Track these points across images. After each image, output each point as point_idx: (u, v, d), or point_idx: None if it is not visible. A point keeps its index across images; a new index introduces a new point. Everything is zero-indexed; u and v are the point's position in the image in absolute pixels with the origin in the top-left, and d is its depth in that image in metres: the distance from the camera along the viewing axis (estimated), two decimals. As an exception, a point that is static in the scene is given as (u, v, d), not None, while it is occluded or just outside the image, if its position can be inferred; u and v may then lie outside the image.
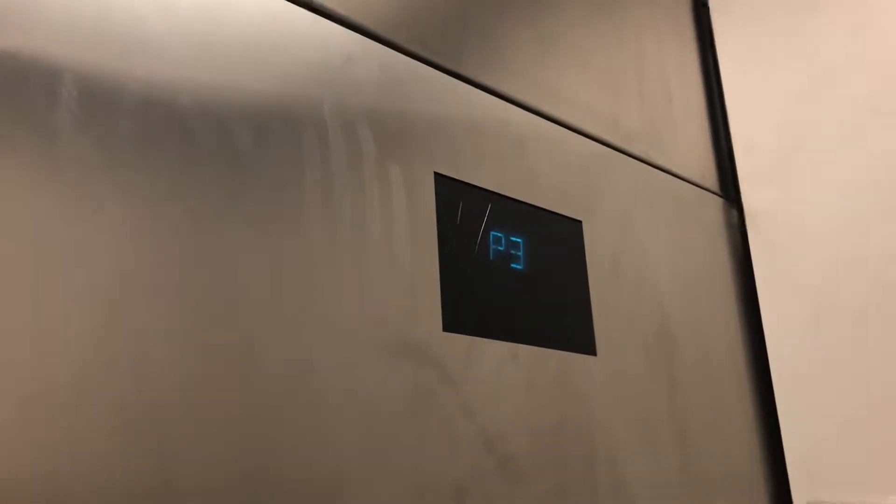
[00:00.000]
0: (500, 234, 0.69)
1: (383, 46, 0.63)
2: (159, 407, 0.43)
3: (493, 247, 0.68)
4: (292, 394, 0.50)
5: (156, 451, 0.43)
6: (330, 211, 0.55)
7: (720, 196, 1.02)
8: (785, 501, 0.90)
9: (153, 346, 0.44)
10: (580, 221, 0.77)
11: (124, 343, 0.43)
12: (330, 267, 0.54)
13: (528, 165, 0.74)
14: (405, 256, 0.60)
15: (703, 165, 1.02)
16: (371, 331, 0.55)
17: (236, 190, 0.50)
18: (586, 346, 0.73)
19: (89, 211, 0.43)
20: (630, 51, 0.94)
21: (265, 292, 0.50)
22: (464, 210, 0.66)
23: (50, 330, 0.40)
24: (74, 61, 0.45)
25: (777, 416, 0.92)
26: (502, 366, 0.64)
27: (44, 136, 0.42)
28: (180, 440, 0.44)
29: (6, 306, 0.39)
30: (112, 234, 0.44)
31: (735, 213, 1.03)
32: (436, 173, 0.64)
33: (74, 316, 0.41)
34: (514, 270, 0.69)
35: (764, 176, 1.02)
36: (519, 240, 0.70)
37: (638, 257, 0.83)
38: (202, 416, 0.45)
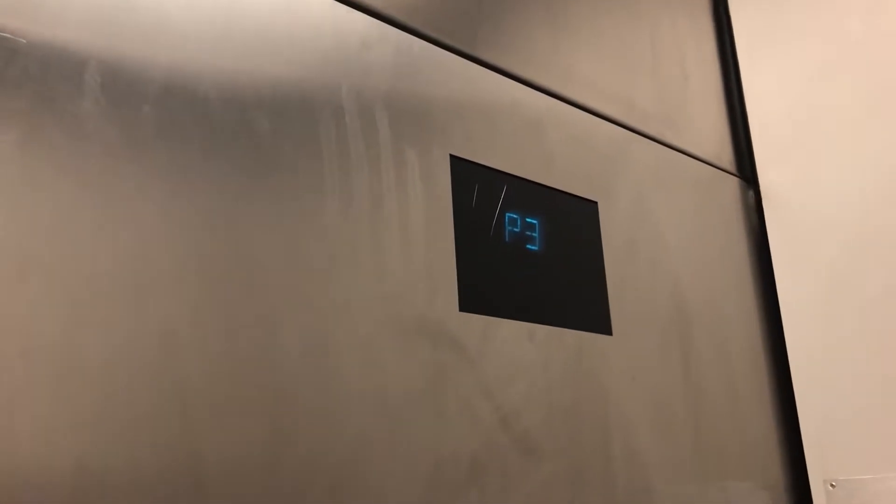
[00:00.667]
0: (515, 216, 0.69)
1: (399, 30, 0.64)
2: (183, 384, 0.45)
3: (508, 228, 0.68)
4: (311, 372, 0.51)
5: (180, 427, 0.44)
6: (347, 193, 0.56)
7: (737, 176, 1.02)
8: (801, 480, 0.91)
9: (177, 325, 0.45)
10: (596, 202, 0.78)
11: (149, 323, 0.44)
12: (347, 248, 0.55)
13: (544, 147, 0.74)
14: (421, 238, 0.60)
15: (719, 145, 1.02)
16: (388, 311, 0.56)
17: (256, 173, 0.51)
18: (602, 325, 0.74)
19: (113, 195, 0.44)
20: (645, 32, 0.94)
21: (285, 273, 0.51)
22: (479, 192, 0.66)
23: (77, 311, 0.42)
24: (99, 50, 0.46)
25: (793, 395, 0.93)
26: (518, 345, 0.65)
27: (70, 123, 0.44)
28: (204, 417, 0.45)
29: (35, 291, 0.40)
30: (136, 218, 0.45)
31: (751, 192, 1.03)
32: (451, 156, 0.65)
33: (101, 298, 0.43)
34: (529, 251, 0.70)
35: (780, 155, 1.01)
36: (534, 221, 0.71)
37: (654, 237, 0.83)
38: (224, 393, 0.46)
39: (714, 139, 1.01)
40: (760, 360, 0.93)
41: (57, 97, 0.43)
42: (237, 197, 0.50)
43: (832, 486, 0.87)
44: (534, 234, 0.71)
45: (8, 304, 0.40)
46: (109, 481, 0.41)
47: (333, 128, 0.57)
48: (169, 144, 0.48)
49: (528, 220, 0.70)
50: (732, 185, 1.01)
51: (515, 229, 0.69)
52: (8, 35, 0.42)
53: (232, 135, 0.51)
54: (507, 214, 0.69)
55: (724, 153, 1.02)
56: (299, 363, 0.50)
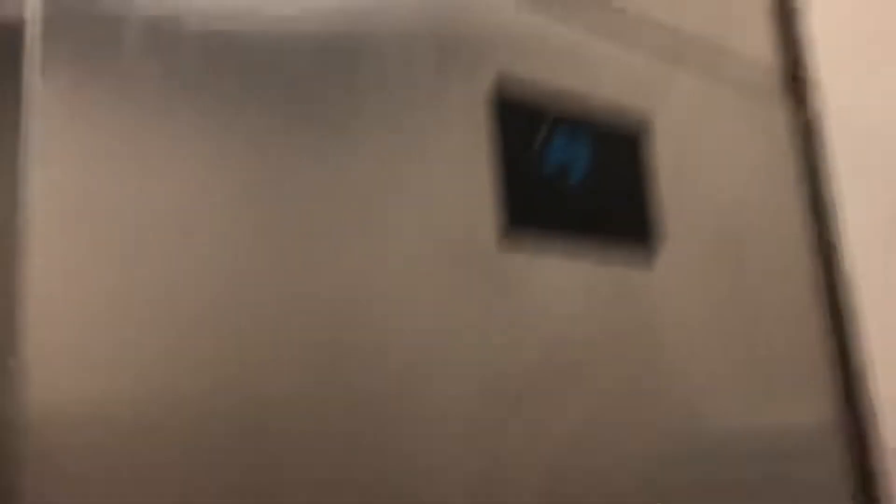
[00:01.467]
0: (559, 142, 0.68)
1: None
2: (237, 322, 0.46)
3: (553, 154, 0.67)
4: (357, 303, 0.52)
5: (239, 358, 0.45)
6: (387, 121, 0.56)
7: (790, 97, 0.98)
8: (857, 405, 0.89)
9: (225, 267, 0.46)
10: (642, 127, 0.76)
11: (198, 264, 0.45)
12: (389, 179, 0.55)
13: (588, 73, 0.72)
14: (462, 163, 0.60)
15: (773, 64, 0.98)
16: (431, 237, 0.57)
17: (298, 113, 0.51)
18: (648, 252, 0.72)
19: (163, 136, 0.45)
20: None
21: (326, 208, 0.52)
22: (522, 118, 0.65)
23: (133, 252, 0.43)
24: (134, -20, 0.46)
25: (852, 317, 0.90)
26: (563, 271, 0.65)
27: (111, 67, 0.44)
28: (259, 348, 0.46)
29: (92, 234, 0.42)
30: (187, 156, 0.46)
31: (805, 112, 0.99)
32: (495, 77, 0.64)
33: (155, 238, 0.44)
34: (573, 178, 0.69)
35: (839, 72, 0.97)
36: (579, 147, 0.70)
37: (702, 162, 0.81)
38: (277, 328, 0.47)
39: (765, 60, 0.97)
40: (818, 283, 0.91)
41: (98, 46, 0.44)
42: (279, 134, 0.50)
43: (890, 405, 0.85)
44: (578, 158, 0.70)
45: (67, 247, 0.41)
46: (168, 422, 0.42)
47: (372, 58, 0.56)
48: (211, 87, 0.48)
49: (572, 146, 0.69)
50: (786, 106, 0.97)
51: (560, 153, 0.68)
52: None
53: (273, 78, 0.51)
54: (552, 141, 0.68)
55: (776, 74, 0.98)
56: (345, 293, 0.51)
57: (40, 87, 0.42)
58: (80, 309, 0.40)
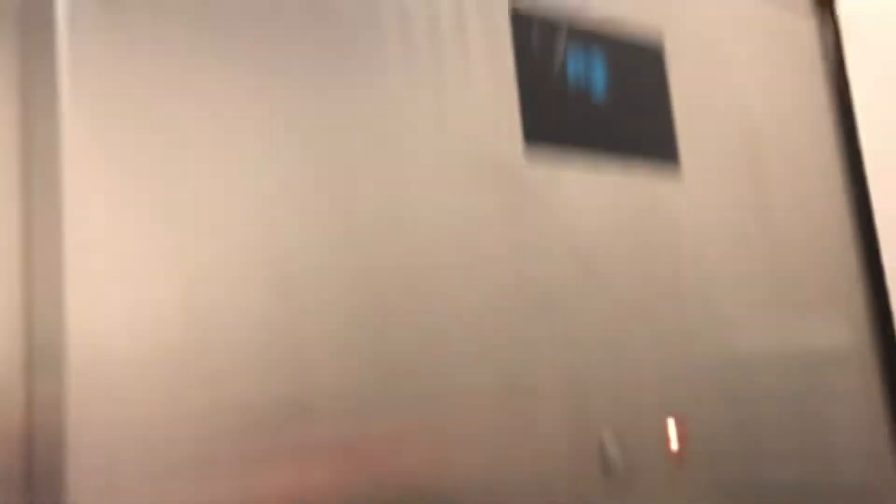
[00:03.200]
0: (579, 55, 0.67)
1: None
2: (281, 250, 0.46)
3: (572, 67, 0.67)
4: (390, 220, 0.52)
5: (282, 290, 0.46)
6: (408, 40, 0.56)
7: (813, 9, 0.96)
8: (885, 315, 0.89)
9: (271, 197, 0.46)
10: (662, 42, 0.75)
11: (247, 206, 0.46)
12: (412, 96, 0.55)
13: (605, -18, 0.71)
14: (485, 78, 0.60)
15: (794, -23, 0.95)
16: (456, 154, 0.57)
17: (328, 49, 0.51)
18: (671, 164, 0.72)
19: (197, 86, 0.45)
20: None
21: (356, 136, 0.52)
22: (541, 30, 0.64)
23: (174, 198, 0.43)
24: None
25: (877, 240, 0.90)
26: (587, 183, 0.64)
27: (145, 8, 0.44)
28: (302, 273, 0.47)
29: (125, 186, 0.42)
30: (227, 102, 0.46)
31: (831, 29, 0.97)
32: (511, 6, 0.63)
33: (197, 190, 0.44)
34: (594, 90, 0.68)
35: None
36: (599, 60, 0.69)
37: (723, 74, 0.80)
38: (312, 251, 0.48)
39: (788, -30, 0.95)
40: (842, 206, 0.90)
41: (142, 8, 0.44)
42: (312, 76, 0.50)
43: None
44: (598, 73, 0.69)
45: (107, 197, 0.41)
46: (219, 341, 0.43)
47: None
48: (246, 21, 0.48)
49: (592, 59, 0.68)
50: (809, 18, 0.95)
51: (579, 68, 0.67)
52: None
53: (304, 12, 0.51)
54: (571, 53, 0.67)
55: (799, -15, 0.96)
56: (376, 213, 0.52)
57: (67, 37, 0.42)
58: (124, 258, 0.41)
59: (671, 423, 0.65)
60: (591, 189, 0.65)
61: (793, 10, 0.93)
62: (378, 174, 0.52)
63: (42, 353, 0.40)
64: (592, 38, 0.69)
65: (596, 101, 0.67)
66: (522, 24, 0.63)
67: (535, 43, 0.64)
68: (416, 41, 0.56)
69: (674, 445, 0.65)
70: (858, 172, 0.93)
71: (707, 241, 0.73)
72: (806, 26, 0.94)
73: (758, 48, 0.85)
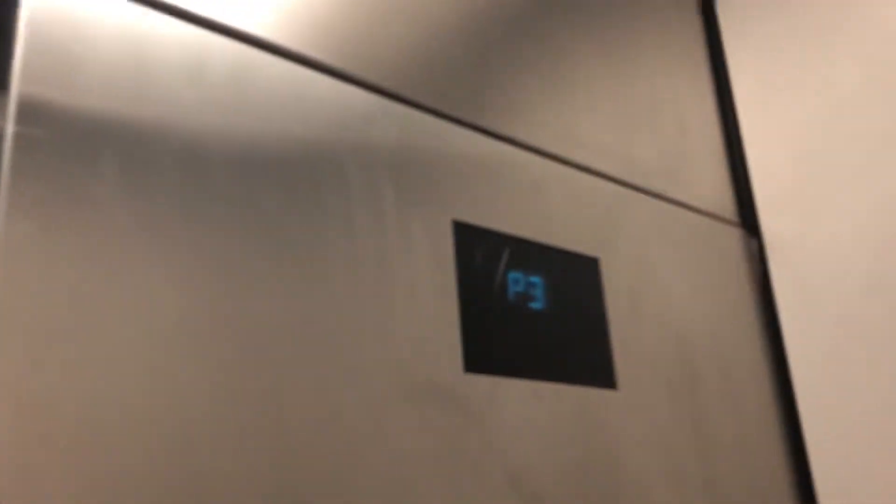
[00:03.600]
0: (518, 275, 0.71)
1: (401, 104, 0.67)
2: (193, 450, 0.47)
3: (512, 288, 0.70)
4: (321, 438, 0.53)
5: (192, 493, 0.46)
6: (353, 261, 0.59)
7: (740, 227, 1.04)
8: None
9: (188, 392, 0.47)
10: (597, 259, 0.80)
11: (162, 394, 0.46)
12: (354, 314, 0.57)
13: (545, 207, 0.76)
14: (427, 301, 0.63)
15: (721, 197, 1.04)
16: (395, 374, 0.58)
17: (266, 246, 0.54)
18: (607, 381, 0.75)
19: (129, 274, 0.47)
20: (643, 89, 0.97)
21: (293, 341, 0.53)
22: (482, 254, 0.69)
23: (94, 386, 0.44)
24: (114, 130, 0.49)
25: (804, 447, 0.93)
26: (525, 404, 0.66)
27: (85, 204, 0.47)
28: (214, 486, 0.47)
29: (57, 366, 0.43)
30: (152, 293, 0.48)
31: (755, 242, 1.04)
32: (454, 221, 0.67)
33: (118, 373, 0.45)
34: (533, 310, 0.71)
35: (783, 205, 1.03)
36: (537, 280, 0.73)
37: (657, 291, 0.85)
38: (232, 463, 0.48)
39: (716, 191, 1.03)
40: (771, 412, 0.94)
41: (75, 183, 0.46)
42: (248, 269, 0.53)
43: (848, 536, 0.86)
44: (537, 293, 0.73)
45: (31, 379, 0.42)
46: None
47: (340, 200, 0.59)
48: (182, 222, 0.50)
49: (531, 279, 0.72)
50: (736, 236, 1.03)
51: (519, 289, 0.71)
52: (27, 130, 0.46)
53: (242, 210, 0.54)
54: (510, 274, 0.71)
55: (726, 205, 1.04)
56: (306, 428, 0.52)
57: (5, 206, 0.43)
58: (41, 433, 0.41)
59: None
60: (528, 409, 0.67)
61: (723, 232, 1.00)
62: (312, 385, 0.53)
63: None
64: (533, 258, 0.73)
65: (534, 318, 0.71)
66: (464, 241, 0.67)
67: (475, 259, 0.68)
68: (360, 256, 0.59)
69: None
70: (786, 383, 0.97)
71: (644, 454, 0.74)
72: (734, 244, 1.01)
73: (688, 265, 0.91)
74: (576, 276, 0.77)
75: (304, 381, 0.53)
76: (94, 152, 0.48)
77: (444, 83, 0.72)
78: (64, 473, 0.42)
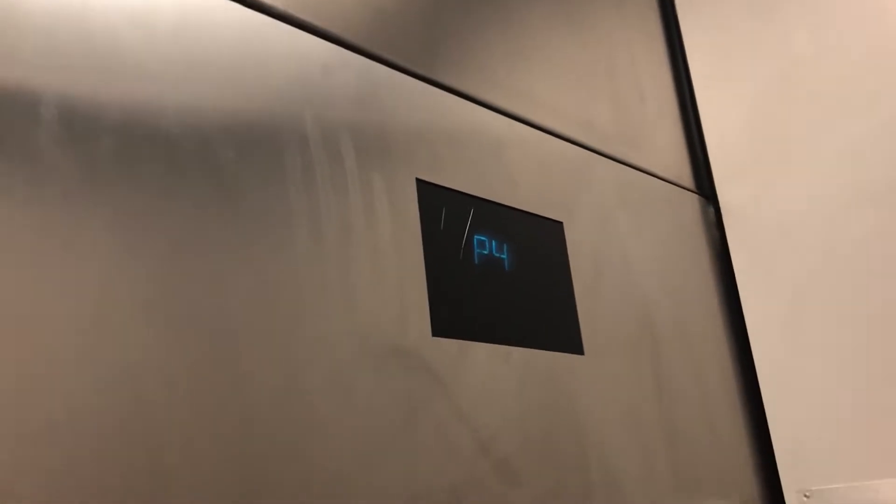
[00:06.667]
0: (483, 238, 0.69)
1: (360, 56, 0.64)
2: (152, 424, 0.43)
3: (477, 250, 0.68)
4: (284, 407, 0.50)
5: (150, 469, 0.42)
6: (314, 223, 0.55)
7: (697, 193, 1.04)
8: (775, 492, 0.91)
9: (144, 364, 0.44)
10: (561, 223, 0.78)
11: (114, 365, 0.42)
12: (317, 278, 0.54)
13: (508, 169, 0.74)
14: (391, 264, 0.60)
15: (678, 164, 1.03)
16: (361, 340, 0.55)
17: (221, 206, 0.50)
18: (573, 345, 0.73)
19: (74, 231, 0.43)
20: (601, 54, 0.96)
21: (254, 307, 0.50)
22: (447, 215, 0.66)
23: (40, 354, 0.40)
24: (55, 83, 0.45)
25: (764, 409, 0.93)
26: (493, 368, 0.64)
27: (26, 157, 0.42)
28: (174, 459, 0.43)
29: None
30: (97, 254, 0.44)
31: (712, 209, 1.04)
32: (418, 180, 0.64)
33: (62, 336, 0.41)
34: (499, 273, 0.69)
35: (738, 171, 1.03)
36: (503, 242, 0.71)
37: (619, 256, 0.84)
38: (196, 432, 0.45)
39: (673, 158, 1.03)
40: (730, 375, 0.94)
41: (13, 131, 0.42)
42: (202, 230, 0.49)
43: (806, 496, 0.87)
44: (503, 256, 0.71)
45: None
46: (76, 527, 0.39)
47: (298, 157, 0.56)
48: (131, 180, 0.46)
49: (496, 241, 0.70)
50: (693, 202, 1.02)
51: (484, 251, 0.69)
52: (-41, 67, 0.41)
53: (195, 168, 0.50)
54: (476, 237, 0.68)
55: (683, 171, 1.04)
56: (270, 397, 0.49)
57: None
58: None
59: None
60: (496, 373, 0.64)
61: (681, 198, 1.00)
62: (274, 353, 0.50)
63: None
64: (497, 220, 0.71)
65: (501, 284, 0.69)
66: (430, 196, 0.65)
67: (442, 225, 0.65)
68: (322, 217, 0.56)
69: None
70: (745, 347, 0.97)
71: (608, 424, 0.73)
72: (691, 210, 1.01)
73: (648, 230, 0.90)
74: (540, 240, 0.75)
75: (265, 351, 0.50)
76: (33, 102, 0.43)
77: (405, 38, 0.69)
78: (15, 463, 0.38)
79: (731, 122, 1.05)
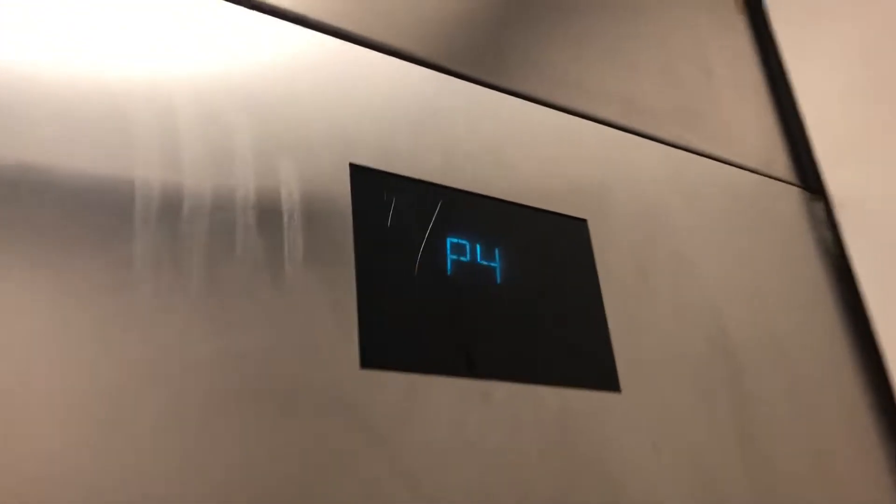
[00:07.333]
0: (463, 242, 0.52)
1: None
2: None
3: (451, 257, 0.51)
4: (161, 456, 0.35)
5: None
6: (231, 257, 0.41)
7: (796, 185, 0.81)
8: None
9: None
10: (584, 220, 0.59)
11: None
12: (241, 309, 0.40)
13: (507, 155, 0.57)
14: (311, 273, 0.44)
15: (767, 150, 0.82)
16: (260, 373, 0.40)
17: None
18: (604, 379, 0.54)
19: None
20: (649, 30, 0.78)
21: (164, 355, 0.36)
22: (396, 210, 0.50)
23: None
24: None
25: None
26: (463, 412, 0.46)
27: None
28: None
29: None
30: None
31: (820, 204, 0.81)
32: (352, 165, 0.49)
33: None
34: (484, 285, 0.52)
35: (850, 158, 0.80)
36: (493, 247, 0.54)
37: (678, 262, 0.64)
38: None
39: (759, 143, 0.81)
40: (861, 413, 0.69)
41: None
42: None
43: None
44: (493, 264, 0.53)
45: None
46: None
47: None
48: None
49: (481, 245, 0.53)
50: (791, 195, 0.80)
51: (463, 258, 0.52)
52: None
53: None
54: (450, 239, 0.52)
55: (776, 159, 0.82)
56: (152, 447, 0.34)
57: None
58: None
59: None
60: (469, 417, 0.46)
61: (771, 191, 0.78)
62: (157, 387, 0.36)
63: None
64: (483, 216, 0.54)
65: (487, 300, 0.51)
66: (366, 200, 0.49)
67: (388, 224, 0.49)
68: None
69: None
70: (876, 365, 0.72)
71: (661, 487, 0.52)
72: (789, 205, 0.79)
73: (721, 230, 0.69)
74: (554, 243, 0.57)
75: (150, 379, 0.35)
76: None
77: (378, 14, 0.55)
78: None
79: (834, 101, 0.83)
